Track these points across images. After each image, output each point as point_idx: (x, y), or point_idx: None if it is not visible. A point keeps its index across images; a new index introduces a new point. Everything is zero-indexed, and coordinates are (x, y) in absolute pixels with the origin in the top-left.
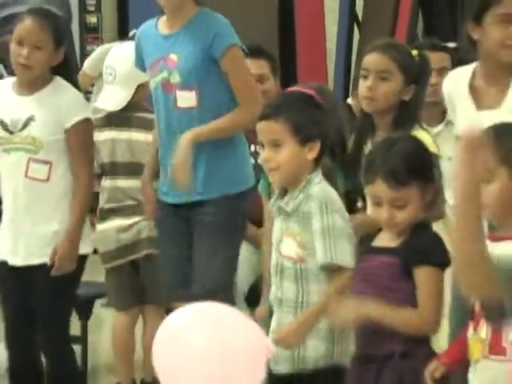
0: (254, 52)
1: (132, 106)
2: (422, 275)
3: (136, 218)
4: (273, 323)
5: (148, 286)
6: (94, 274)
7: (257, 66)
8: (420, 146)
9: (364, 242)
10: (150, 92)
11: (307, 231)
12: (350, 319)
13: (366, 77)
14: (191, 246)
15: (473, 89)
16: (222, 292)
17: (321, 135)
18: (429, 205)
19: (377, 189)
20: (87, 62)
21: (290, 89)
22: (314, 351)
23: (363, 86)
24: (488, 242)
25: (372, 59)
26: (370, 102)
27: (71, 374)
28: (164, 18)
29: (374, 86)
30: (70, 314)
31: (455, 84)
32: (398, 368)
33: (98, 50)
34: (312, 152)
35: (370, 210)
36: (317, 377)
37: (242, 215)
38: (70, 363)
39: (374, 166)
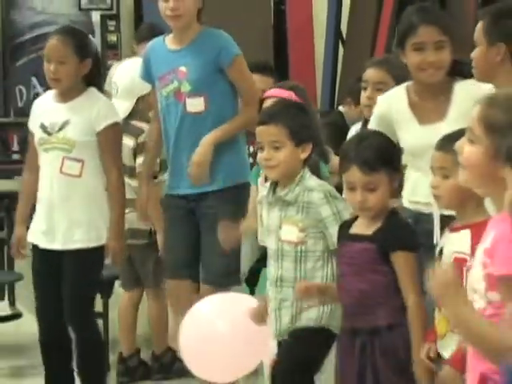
0: (262, 68)
1: (135, 114)
2: (400, 260)
3: None
4: (273, 299)
5: (140, 271)
6: None
7: (263, 81)
8: (388, 140)
9: (342, 229)
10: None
11: (309, 218)
12: None
13: (365, 88)
14: (194, 233)
15: (412, 106)
16: (230, 276)
17: (311, 138)
18: (395, 192)
19: (352, 175)
20: None
21: (271, 91)
22: (306, 314)
23: (363, 96)
24: (447, 234)
25: (370, 73)
26: (370, 109)
27: (96, 342)
28: (171, 36)
29: (372, 96)
30: (95, 294)
31: (391, 104)
32: (389, 341)
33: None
34: (304, 153)
35: (345, 195)
36: (308, 334)
37: (242, 205)
38: (93, 332)
39: (349, 156)
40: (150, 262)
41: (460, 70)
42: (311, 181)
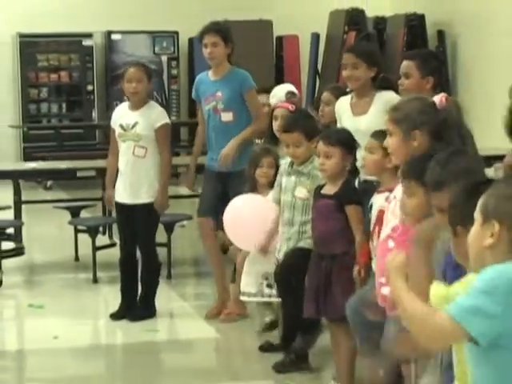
0: (266, 91)
1: None
2: (351, 211)
3: None
4: (285, 233)
5: None
6: (177, 208)
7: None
8: (350, 134)
9: (317, 190)
10: None
11: (314, 184)
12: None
13: (323, 104)
14: (221, 193)
15: (351, 104)
16: None
17: (317, 135)
18: (347, 171)
19: (319, 146)
20: None
21: (280, 103)
22: (302, 242)
23: (320, 109)
24: (375, 195)
25: (324, 95)
26: (323, 118)
27: (156, 264)
28: (212, 70)
29: (323, 109)
30: (156, 231)
31: (340, 104)
32: (344, 263)
33: None
34: (314, 145)
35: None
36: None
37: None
38: (155, 258)
39: (321, 135)
40: None
41: (381, 84)
42: (317, 163)
